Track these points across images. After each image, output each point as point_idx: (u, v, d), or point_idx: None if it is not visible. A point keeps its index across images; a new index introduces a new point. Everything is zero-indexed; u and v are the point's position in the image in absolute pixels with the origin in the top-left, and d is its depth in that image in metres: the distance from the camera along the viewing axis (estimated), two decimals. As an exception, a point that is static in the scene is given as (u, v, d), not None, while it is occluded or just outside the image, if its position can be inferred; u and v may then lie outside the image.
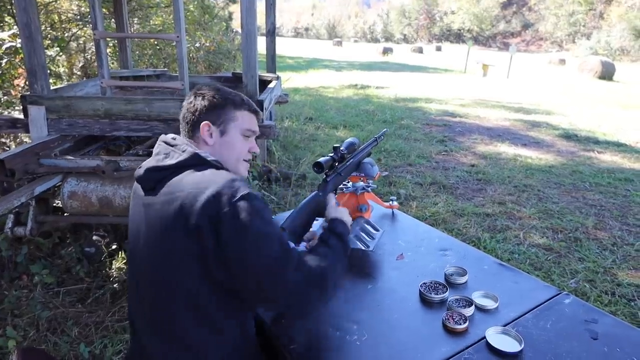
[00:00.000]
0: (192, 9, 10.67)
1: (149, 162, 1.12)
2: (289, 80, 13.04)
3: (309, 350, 1.10)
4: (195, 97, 1.19)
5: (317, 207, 1.43)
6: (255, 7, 2.77)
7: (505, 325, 1.16)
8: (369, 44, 48.39)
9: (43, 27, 6.54)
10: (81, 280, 2.63)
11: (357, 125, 6.83)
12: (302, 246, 1.28)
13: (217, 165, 1.11)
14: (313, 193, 1.45)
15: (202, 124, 1.15)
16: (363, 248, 1.47)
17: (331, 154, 1.57)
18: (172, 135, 1.18)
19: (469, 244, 3.12)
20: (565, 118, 8.22)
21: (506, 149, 5.76)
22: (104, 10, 5.30)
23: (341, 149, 1.62)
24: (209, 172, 1.06)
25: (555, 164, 5.16)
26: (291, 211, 1.38)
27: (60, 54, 6.20)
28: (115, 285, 2.58)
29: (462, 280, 1.37)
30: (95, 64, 6.26)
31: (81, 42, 6.80)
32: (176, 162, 1.07)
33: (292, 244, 1.16)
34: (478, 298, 1.27)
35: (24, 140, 4.13)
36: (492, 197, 4.07)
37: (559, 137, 6.64)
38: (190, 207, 0.97)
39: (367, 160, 1.76)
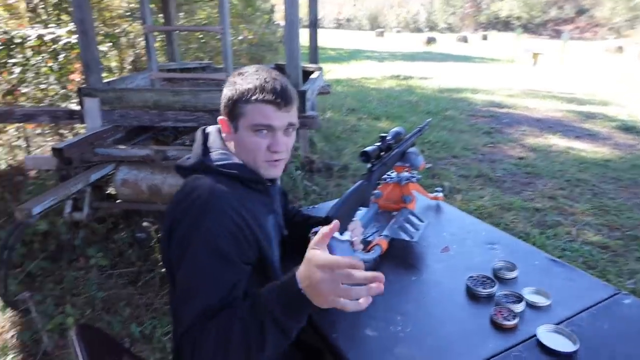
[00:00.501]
0: (235, 2, 10.84)
1: (181, 159, 1.14)
2: (330, 71, 13.00)
3: (350, 340, 1.10)
4: (227, 81, 1.10)
5: (362, 196, 1.42)
6: (298, -3, 2.77)
7: (558, 324, 1.11)
8: (412, 34, 47.38)
9: (96, 24, 6.84)
10: (132, 264, 2.75)
11: (400, 117, 6.73)
12: (346, 234, 1.27)
13: (224, 172, 1.04)
14: (358, 182, 1.43)
15: (219, 119, 1.10)
16: (407, 239, 1.45)
17: (378, 143, 1.56)
18: (216, 127, 1.16)
19: (517, 238, 3.04)
20: (623, 109, 7.74)
21: (557, 141, 5.50)
22: (153, 6, 5.49)
23: (387, 138, 1.60)
24: (205, 183, 1.00)
25: (612, 158, 4.88)
26: (335, 201, 1.37)
27: (112, 48, 6.47)
28: (163, 270, 2.68)
29: (512, 275, 1.32)
30: (144, 58, 6.50)
31: (131, 37, 7.05)
32: (188, 165, 1.08)
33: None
34: (529, 294, 1.22)
35: (79, 130, 4.35)
36: (542, 191, 3.91)
37: (616, 129, 6.27)
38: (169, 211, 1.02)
39: (411, 150, 1.73)
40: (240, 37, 10.06)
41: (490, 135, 5.76)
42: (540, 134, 5.85)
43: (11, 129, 4.91)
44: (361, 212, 1.68)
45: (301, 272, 0.84)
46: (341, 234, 1.27)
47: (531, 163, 4.61)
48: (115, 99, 3.06)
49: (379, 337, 1.10)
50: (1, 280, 2.13)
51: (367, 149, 1.47)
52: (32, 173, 3.88)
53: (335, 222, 0.89)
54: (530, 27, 47.17)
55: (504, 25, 49.53)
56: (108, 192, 3.04)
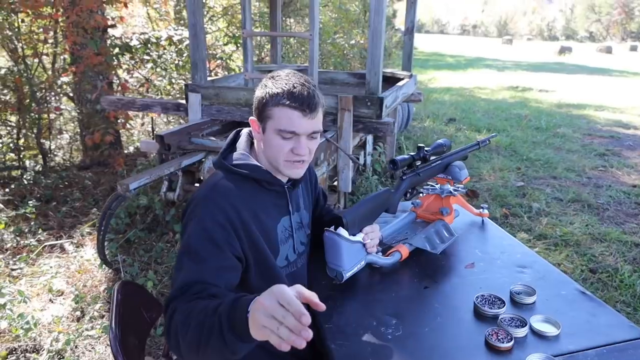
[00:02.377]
0: (354, 7, 11.12)
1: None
2: (442, 79, 12.67)
3: (341, 332, 1.17)
4: (260, 82, 1.17)
5: (384, 202, 1.47)
6: (383, 7, 2.84)
7: (557, 356, 1.06)
8: (544, 42, 43.76)
9: (223, 26, 7.58)
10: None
11: (504, 130, 6.36)
12: (359, 236, 1.33)
13: (239, 172, 1.13)
14: (384, 189, 1.49)
15: (250, 119, 1.18)
16: (429, 250, 1.46)
17: (412, 153, 1.59)
18: (249, 129, 1.24)
19: (600, 273, 2.77)
20: None
21: (689, 171, 4.75)
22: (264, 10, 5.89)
23: (426, 149, 1.62)
24: (214, 179, 1.13)
25: None
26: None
27: (236, 50, 7.12)
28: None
29: (529, 300, 1.27)
30: (267, 58, 7.03)
31: (258, 39, 7.66)
32: (213, 162, 1.21)
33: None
34: (537, 322, 1.17)
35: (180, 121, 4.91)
36: (651, 225, 3.45)
37: None
38: None
39: (456, 163, 1.72)
40: (352, 42, 10.33)
41: (604, 157, 5.18)
42: (669, 161, 5.11)
43: (148, 117, 5.74)
44: (397, 219, 1.73)
45: (258, 298, 0.81)
46: (354, 235, 1.35)
47: (646, 193, 4.07)
48: (214, 95, 3.42)
49: (367, 335, 1.15)
50: (100, 242, 2.55)
51: (397, 157, 1.51)
52: (152, 156, 4.49)
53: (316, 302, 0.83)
54: (696, 38, 40.44)
55: (660, 34, 43.16)
56: (200, 177, 3.42)
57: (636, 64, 19.39)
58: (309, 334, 0.75)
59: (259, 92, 1.13)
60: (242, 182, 1.14)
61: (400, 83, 3.82)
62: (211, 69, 6.53)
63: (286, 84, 1.08)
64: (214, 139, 3.24)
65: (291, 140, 1.10)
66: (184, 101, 3.54)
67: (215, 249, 1.03)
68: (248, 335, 0.82)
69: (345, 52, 9.82)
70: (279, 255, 1.23)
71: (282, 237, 1.23)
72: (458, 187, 1.73)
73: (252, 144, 1.23)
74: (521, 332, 1.13)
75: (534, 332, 1.15)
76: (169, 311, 0.96)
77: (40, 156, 4.58)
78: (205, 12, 6.73)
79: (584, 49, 30.70)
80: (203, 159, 3.15)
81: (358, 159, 3.76)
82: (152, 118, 5.75)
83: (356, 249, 1.33)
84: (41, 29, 4.25)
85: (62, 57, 4.90)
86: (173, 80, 5.82)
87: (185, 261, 1.02)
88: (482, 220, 1.80)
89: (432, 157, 1.64)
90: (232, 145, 1.23)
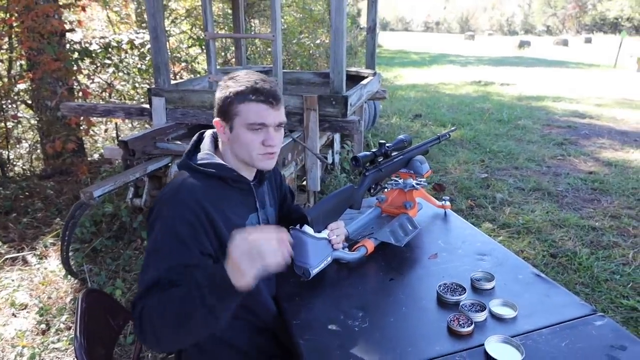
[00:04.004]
0: (318, 7, 11.16)
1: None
2: (407, 76, 12.88)
3: (309, 328, 1.19)
4: (219, 85, 1.19)
5: (348, 199, 1.50)
6: (344, 6, 2.88)
7: (515, 336, 1.11)
8: (504, 37, 45.03)
9: (187, 28, 7.47)
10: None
11: (467, 124, 6.53)
12: (324, 233, 1.36)
13: (204, 171, 1.14)
14: (347, 185, 1.52)
15: (215, 120, 1.18)
16: (394, 243, 1.50)
17: (374, 149, 1.62)
18: (212, 131, 1.27)
19: (560, 257, 2.90)
20: None
21: (640, 157, 5.01)
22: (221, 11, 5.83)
23: (387, 145, 1.66)
24: (179, 179, 1.14)
25: (703, 178, 4.36)
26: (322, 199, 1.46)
27: (201, 53, 7.03)
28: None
29: (489, 286, 1.33)
30: (233, 60, 6.96)
31: (223, 41, 7.57)
32: (179, 163, 1.21)
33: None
34: (495, 306, 1.23)
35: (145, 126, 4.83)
36: (606, 209, 3.62)
37: None
38: None
39: (417, 157, 1.77)
40: (317, 41, 10.36)
41: (562, 147, 5.39)
42: (621, 148, 5.36)
43: (112, 123, 5.61)
44: (363, 214, 1.77)
45: (230, 252, 0.90)
46: (319, 232, 1.37)
47: (601, 179, 4.26)
48: (178, 99, 3.39)
49: (335, 329, 1.17)
50: (64, 251, 2.49)
51: (359, 154, 1.54)
52: (116, 162, 4.39)
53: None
54: (644, 30, 42.45)
55: (612, 27, 45.15)
56: (166, 182, 3.38)
57: (590, 55, 20.22)
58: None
59: (221, 93, 1.16)
60: (208, 181, 1.15)
61: (364, 81, 3.87)
62: (176, 72, 6.43)
63: (248, 81, 1.13)
64: (179, 143, 3.21)
65: (261, 132, 1.14)
66: (148, 106, 3.49)
67: (182, 246, 1.04)
68: (230, 292, 0.89)
69: (311, 51, 9.85)
70: None
71: None
72: (420, 181, 1.77)
73: (216, 145, 1.25)
74: (481, 317, 1.19)
75: (493, 315, 1.20)
76: (137, 310, 0.96)
77: (-3, 167, 4.42)
78: (167, 15, 6.63)
79: (542, 43, 31.78)
80: (169, 164, 3.11)
81: (326, 157, 3.79)
82: (116, 124, 5.62)
83: (322, 245, 1.35)
84: (-6, 35, 4.10)
85: (18, 63, 4.73)
86: (137, 85, 5.71)
87: (151, 261, 1.03)
88: (445, 212, 1.86)
89: (394, 153, 1.68)
90: (196, 147, 1.24)
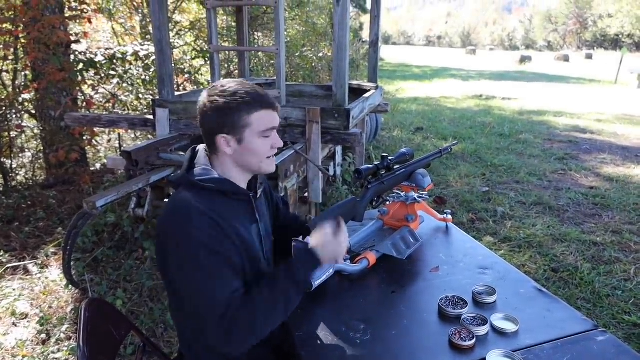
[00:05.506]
0: (321, 21, 11.28)
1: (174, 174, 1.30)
2: (410, 89, 12.96)
3: (311, 339, 1.19)
4: (209, 101, 1.14)
5: (351, 211, 1.51)
6: (347, 21, 2.92)
7: (516, 351, 1.11)
8: (505, 52, 45.39)
9: (194, 40, 7.56)
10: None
11: (469, 138, 6.56)
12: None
13: (204, 186, 1.14)
14: (351, 198, 1.53)
15: (217, 137, 1.15)
16: (396, 256, 1.50)
17: (376, 162, 1.64)
18: (204, 145, 1.24)
19: (562, 272, 2.89)
20: None
21: (641, 172, 5.02)
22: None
23: (389, 158, 1.68)
24: (181, 196, 1.13)
25: None
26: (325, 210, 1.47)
27: (204, 64, 7.10)
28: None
29: (490, 300, 1.33)
30: (236, 72, 7.03)
31: (227, 53, 7.65)
32: (175, 180, 1.19)
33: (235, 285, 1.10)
34: (497, 320, 1.23)
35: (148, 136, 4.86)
36: (607, 224, 3.62)
37: None
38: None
39: (419, 171, 1.78)
40: (320, 54, 10.46)
41: (563, 161, 5.41)
42: (623, 163, 5.38)
43: (115, 133, 5.64)
44: (365, 227, 1.78)
45: (312, 240, 1.19)
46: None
47: (602, 194, 4.27)
48: (182, 110, 3.41)
49: (336, 341, 1.18)
50: (65, 261, 2.49)
51: (362, 167, 1.56)
52: (119, 172, 4.41)
53: None
54: (645, 46, 42.77)
55: (613, 43, 45.51)
56: (169, 193, 3.39)
57: (591, 71, 20.35)
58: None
59: (220, 110, 1.13)
60: (211, 196, 1.15)
61: (366, 94, 3.90)
62: (179, 83, 6.48)
63: (247, 92, 1.13)
64: (182, 154, 3.23)
65: (270, 138, 1.18)
66: (151, 117, 3.52)
67: (224, 259, 1.09)
68: (315, 266, 1.17)
69: (313, 64, 9.94)
70: (262, 260, 1.26)
71: (257, 243, 1.25)
72: (422, 194, 1.79)
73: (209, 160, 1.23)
74: (482, 330, 1.19)
75: (495, 329, 1.20)
76: (225, 325, 1.04)
77: (0, 175, 4.43)
78: (172, 27, 6.71)
79: (543, 58, 32.03)
80: (172, 174, 3.13)
81: (328, 170, 3.81)
82: (119, 134, 5.66)
83: (324, 257, 1.36)
84: (1, 46, 4.15)
85: (23, 73, 4.78)
86: (140, 96, 5.76)
87: (205, 280, 1.06)
88: (446, 225, 1.87)
89: (396, 166, 1.70)
90: (191, 162, 1.22)
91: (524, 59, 27.22)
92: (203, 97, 1.16)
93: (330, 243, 1.18)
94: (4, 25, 4.06)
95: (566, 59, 30.45)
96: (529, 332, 1.19)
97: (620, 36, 44.86)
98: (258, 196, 1.30)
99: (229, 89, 1.13)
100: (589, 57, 33.51)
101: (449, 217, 1.86)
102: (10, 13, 4.24)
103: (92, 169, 4.92)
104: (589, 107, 9.69)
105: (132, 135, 6.09)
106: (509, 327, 1.20)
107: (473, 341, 1.14)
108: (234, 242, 1.13)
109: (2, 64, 4.33)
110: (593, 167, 5.20)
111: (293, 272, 1.12)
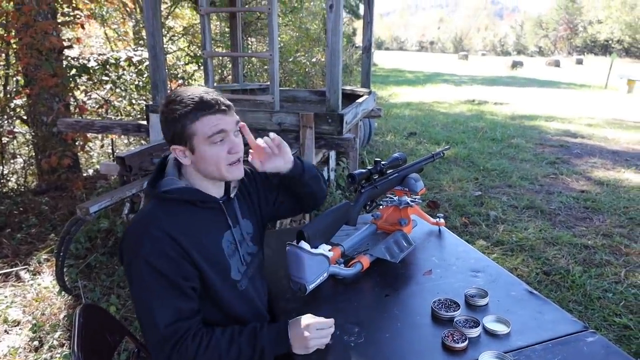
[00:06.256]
0: (314, 27, 11.34)
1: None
2: (402, 94, 13.04)
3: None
4: (160, 112, 1.13)
5: (344, 215, 1.52)
6: (340, 26, 2.94)
7: (508, 352, 1.13)
8: (497, 57, 45.81)
9: (187, 45, 7.57)
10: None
11: (461, 142, 6.60)
12: (320, 249, 1.38)
13: (169, 197, 1.12)
14: (344, 202, 1.54)
15: (173, 148, 1.13)
16: (389, 259, 1.52)
17: (369, 167, 1.65)
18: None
19: (554, 275, 2.92)
20: None
21: (631, 176, 5.08)
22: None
23: (382, 163, 1.69)
24: (145, 210, 1.15)
25: (692, 197, 4.42)
26: (318, 215, 1.48)
27: (197, 70, 7.11)
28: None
29: (482, 302, 1.35)
30: (229, 77, 7.05)
31: (220, 59, 7.66)
32: (144, 192, 1.22)
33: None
34: (489, 322, 1.25)
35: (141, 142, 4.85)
36: (598, 227, 3.66)
37: None
38: None
39: (412, 175, 1.80)
40: (313, 60, 10.51)
41: (555, 165, 5.46)
42: (613, 167, 5.44)
43: (107, 139, 5.63)
44: (358, 231, 1.79)
45: (294, 327, 1.15)
46: (316, 248, 1.39)
47: (593, 197, 4.32)
48: (175, 116, 3.41)
49: (330, 344, 1.18)
50: (58, 267, 2.47)
51: (355, 172, 1.57)
52: (112, 178, 4.39)
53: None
54: (634, 52, 43.41)
55: (603, 48, 46.11)
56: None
57: (581, 76, 20.60)
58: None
59: (169, 119, 1.11)
60: (176, 207, 1.13)
61: (359, 100, 3.93)
62: (173, 89, 6.48)
63: (192, 98, 1.09)
64: (176, 158, 3.23)
65: (224, 143, 1.12)
66: (145, 122, 3.52)
67: (170, 282, 1.07)
68: (284, 349, 1.14)
69: (307, 70, 9.98)
70: (232, 269, 1.22)
71: (228, 251, 1.22)
72: (415, 198, 1.80)
73: (179, 168, 1.21)
74: (475, 332, 1.20)
75: (487, 331, 1.22)
76: (167, 350, 1.05)
77: (-8, 182, 4.41)
78: (165, 32, 6.72)
79: (534, 63, 32.37)
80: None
81: (321, 174, 3.82)
82: (112, 139, 5.64)
83: (318, 261, 1.37)
84: (-8, 52, 4.14)
85: (14, 79, 4.76)
86: (133, 101, 5.75)
87: (149, 302, 1.07)
88: (439, 229, 1.88)
89: (389, 171, 1.71)
90: (160, 172, 1.20)
91: (515, 64, 27.51)
92: (159, 108, 1.15)
93: (308, 339, 1.12)
94: (-4, 31, 4.04)
95: (557, 64, 30.83)
96: (520, 334, 1.21)
97: (610, 42, 45.48)
98: (233, 196, 1.26)
99: (176, 98, 1.10)
100: (580, 62, 33.96)
101: (442, 221, 1.88)
102: (2, 19, 4.23)
103: (84, 174, 4.90)
104: (580, 112, 9.80)
105: (125, 141, 6.08)
106: (501, 329, 1.22)
107: (465, 343, 1.16)
108: (193, 260, 1.11)
109: (-7, 69, 4.31)
110: (584, 171, 5.26)
111: (257, 344, 1.11)
